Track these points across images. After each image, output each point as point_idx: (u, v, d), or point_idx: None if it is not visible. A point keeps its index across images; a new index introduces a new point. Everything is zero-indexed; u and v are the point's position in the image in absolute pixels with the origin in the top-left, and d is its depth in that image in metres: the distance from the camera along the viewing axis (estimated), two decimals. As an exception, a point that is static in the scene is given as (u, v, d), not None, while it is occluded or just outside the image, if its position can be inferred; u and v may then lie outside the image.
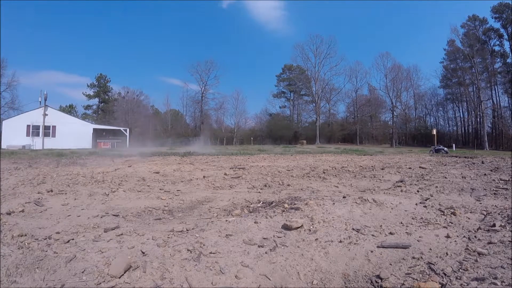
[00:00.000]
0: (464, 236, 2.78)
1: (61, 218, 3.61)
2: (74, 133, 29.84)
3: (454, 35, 47.76)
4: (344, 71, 58.33)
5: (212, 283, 2.08)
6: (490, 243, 2.54)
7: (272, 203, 4.23)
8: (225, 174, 7.88)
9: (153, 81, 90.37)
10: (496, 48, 46.53)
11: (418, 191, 5.08)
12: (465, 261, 2.22)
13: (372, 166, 10.02)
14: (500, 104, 47.14)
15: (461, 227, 3.06)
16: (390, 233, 2.89)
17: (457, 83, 51.08)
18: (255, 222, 3.23)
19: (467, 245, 2.53)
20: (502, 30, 45.24)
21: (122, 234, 2.96)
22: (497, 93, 47.23)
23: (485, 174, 7.35)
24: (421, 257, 2.34)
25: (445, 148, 23.05)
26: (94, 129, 33.30)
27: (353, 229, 3.00)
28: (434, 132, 27.81)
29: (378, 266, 2.27)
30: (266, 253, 2.49)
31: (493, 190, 5.13)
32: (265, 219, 3.38)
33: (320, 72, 55.68)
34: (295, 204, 3.98)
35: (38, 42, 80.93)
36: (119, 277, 2.07)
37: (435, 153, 20.62)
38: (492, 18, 45.51)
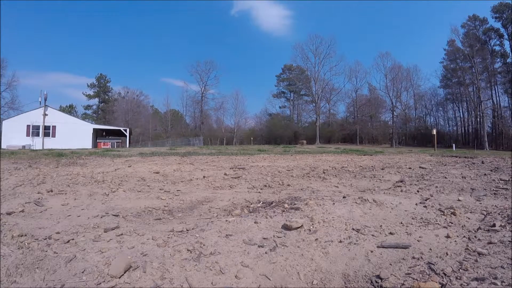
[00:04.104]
0: (464, 236, 2.78)
1: (61, 218, 3.61)
2: (74, 133, 29.83)
3: (454, 35, 47.87)
4: (344, 71, 58.45)
5: (212, 283, 2.08)
6: (490, 243, 2.53)
7: (272, 203, 4.23)
8: (225, 174, 7.87)
9: (153, 81, 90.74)
10: (496, 48, 46.64)
11: (418, 191, 5.07)
12: (465, 261, 2.22)
13: (372, 166, 10.02)
14: (500, 104, 47.23)
15: (461, 227, 3.06)
16: (390, 233, 2.89)
17: (457, 83, 51.12)
18: (255, 222, 3.23)
19: (467, 245, 2.52)
20: (502, 30, 45.33)
21: (122, 234, 2.96)
22: (497, 93, 47.32)
23: (485, 174, 7.35)
24: (421, 257, 2.34)
25: None
26: (94, 129, 33.30)
27: (353, 229, 2.99)
28: (434, 132, 27.74)
29: (378, 266, 2.27)
30: (266, 253, 2.49)
31: (493, 190, 5.13)
32: (265, 219, 3.38)
33: (320, 72, 55.70)
34: (295, 204, 3.98)
35: (43, 43, 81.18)
36: (119, 277, 2.07)
37: None
38: (492, 18, 45.60)
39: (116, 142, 33.55)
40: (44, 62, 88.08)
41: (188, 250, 2.51)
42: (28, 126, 29.36)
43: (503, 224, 2.99)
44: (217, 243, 2.66)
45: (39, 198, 4.62)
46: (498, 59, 46.68)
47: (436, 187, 5.53)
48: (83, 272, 2.13)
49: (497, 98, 47.22)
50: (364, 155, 16.60)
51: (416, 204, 4.04)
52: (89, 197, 4.88)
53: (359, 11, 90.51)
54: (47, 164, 9.71)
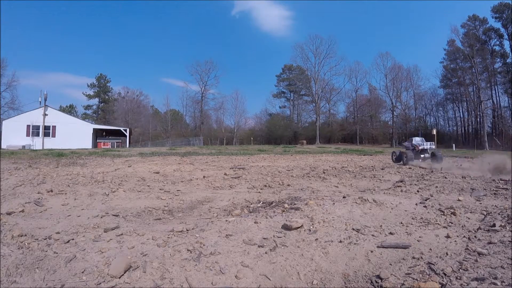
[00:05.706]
0: (464, 236, 2.78)
1: (61, 218, 3.61)
2: (74, 133, 29.82)
3: (454, 35, 47.81)
4: (344, 71, 58.29)
5: (212, 283, 2.08)
6: (490, 243, 2.53)
7: (272, 203, 4.23)
8: (225, 174, 7.87)
9: (153, 81, 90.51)
10: (496, 48, 46.52)
11: (418, 191, 5.07)
12: (465, 261, 2.22)
13: (372, 166, 10.02)
14: (500, 104, 47.15)
15: (461, 227, 3.06)
16: (390, 233, 2.89)
17: (457, 83, 51.05)
18: (255, 222, 3.23)
19: (467, 245, 2.52)
20: (502, 30, 45.23)
21: (122, 234, 2.96)
22: (497, 93, 47.24)
23: (485, 174, 7.34)
24: (421, 257, 2.34)
25: (432, 145, 12.30)
26: (94, 129, 33.29)
27: (353, 229, 2.99)
28: (434, 132, 27.69)
29: (378, 266, 2.27)
30: (266, 253, 2.49)
31: (493, 190, 5.13)
32: (265, 219, 3.38)
33: (320, 72, 55.66)
34: (295, 204, 3.98)
35: (43, 43, 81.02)
36: (119, 277, 2.07)
37: (408, 159, 10.83)
38: (492, 18, 45.50)
39: (116, 142, 33.53)
40: (44, 62, 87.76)
41: (188, 250, 2.51)
42: (28, 126, 29.35)
43: (503, 224, 2.99)
44: (217, 243, 2.66)
45: (39, 198, 4.62)
46: (498, 59, 46.63)
47: (436, 187, 5.53)
48: (83, 272, 2.13)
49: (497, 98, 47.21)
50: (364, 155, 16.59)
51: (416, 204, 4.04)
52: (89, 197, 4.87)
53: (359, 11, 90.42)
54: (47, 164, 9.71)
